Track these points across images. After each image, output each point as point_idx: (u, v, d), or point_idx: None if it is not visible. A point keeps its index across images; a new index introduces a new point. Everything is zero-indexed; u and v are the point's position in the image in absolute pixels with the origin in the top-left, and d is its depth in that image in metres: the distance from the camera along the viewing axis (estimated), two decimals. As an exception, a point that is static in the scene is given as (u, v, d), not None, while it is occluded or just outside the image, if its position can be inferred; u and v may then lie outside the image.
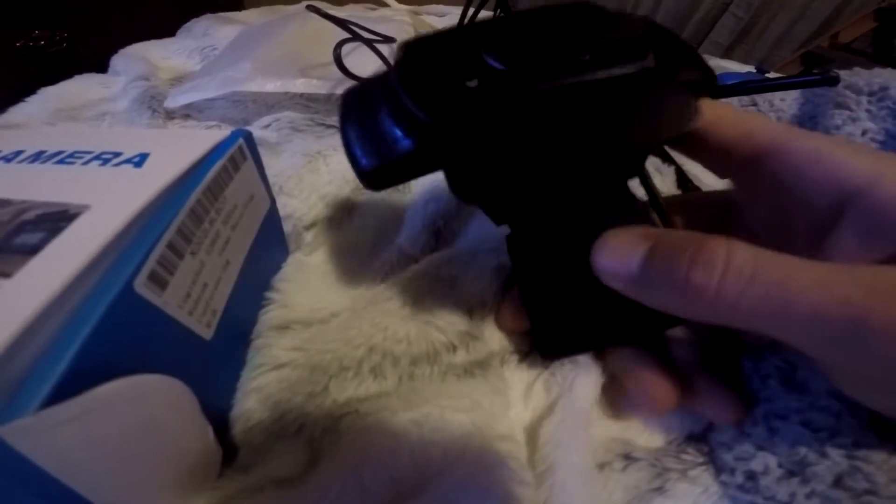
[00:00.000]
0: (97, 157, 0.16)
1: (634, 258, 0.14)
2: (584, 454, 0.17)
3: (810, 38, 1.52)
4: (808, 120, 0.40)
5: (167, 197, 0.14)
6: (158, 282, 0.13)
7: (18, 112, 0.39)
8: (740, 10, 1.54)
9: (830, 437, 0.15)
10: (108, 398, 0.11)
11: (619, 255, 0.15)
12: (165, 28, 0.58)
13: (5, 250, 0.12)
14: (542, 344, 0.19)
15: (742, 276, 0.12)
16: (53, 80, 0.44)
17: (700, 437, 0.20)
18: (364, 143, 0.16)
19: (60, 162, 0.16)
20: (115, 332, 0.11)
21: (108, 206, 0.13)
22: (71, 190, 0.14)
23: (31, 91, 0.42)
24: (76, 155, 0.17)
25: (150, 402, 0.12)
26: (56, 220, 0.13)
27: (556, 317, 0.18)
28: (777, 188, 0.16)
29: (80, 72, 0.46)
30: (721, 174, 0.19)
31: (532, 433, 0.18)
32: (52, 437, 0.10)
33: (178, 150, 0.16)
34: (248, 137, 0.18)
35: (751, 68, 0.74)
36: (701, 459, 0.18)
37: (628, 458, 0.18)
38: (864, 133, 0.31)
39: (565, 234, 0.17)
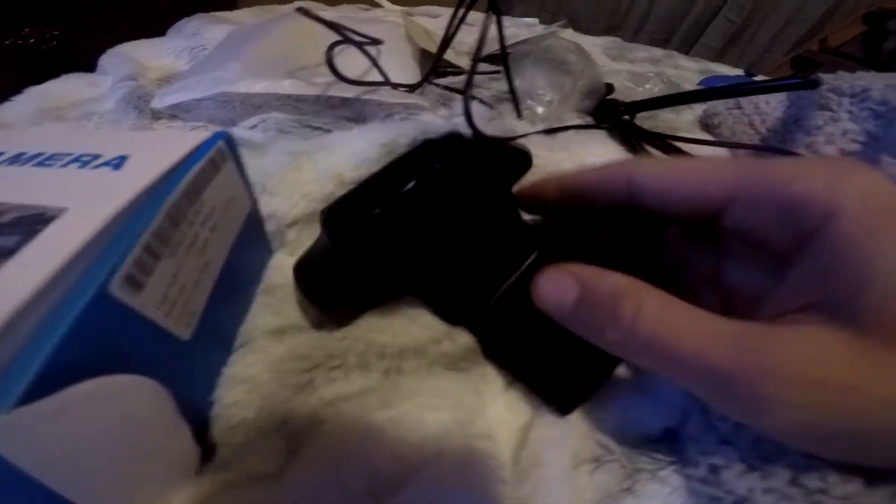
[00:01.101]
0: (76, 160, 0.16)
1: (566, 301, 0.16)
2: (568, 453, 0.18)
3: (800, 41, 1.54)
4: (793, 122, 0.41)
5: (145, 200, 0.14)
6: (135, 284, 0.13)
7: (5, 111, 0.39)
8: (732, 14, 1.55)
9: None
10: (82, 397, 0.11)
11: (553, 296, 0.17)
12: (159, 27, 0.58)
13: (-19, 252, 0.12)
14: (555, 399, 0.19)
15: (643, 335, 0.14)
16: (44, 78, 0.44)
17: (674, 436, 0.20)
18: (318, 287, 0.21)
19: (39, 164, 0.16)
20: (91, 334, 0.12)
21: (85, 208, 0.13)
22: (48, 192, 0.14)
23: (20, 89, 0.42)
24: (56, 157, 0.17)
25: (125, 401, 0.12)
26: (32, 222, 0.13)
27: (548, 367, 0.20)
28: (744, 235, 0.17)
29: (72, 70, 0.46)
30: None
31: (519, 431, 0.19)
32: (27, 435, 0.10)
33: (158, 152, 0.16)
34: (229, 139, 0.18)
35: (741, 72, 0.75)
36: (672, 458, 0.19)
37: (599, 460, 0.18)
38: (844, 133, 0.31)
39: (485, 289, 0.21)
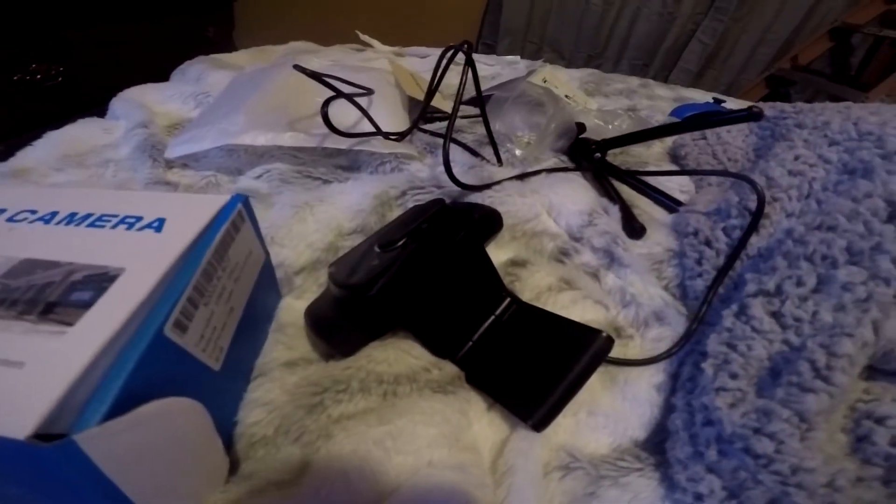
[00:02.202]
0: (122, 221, 0.20)
1: None
2: (538, 464, 0.21)
3: (773, 61, 1.61)
4: (752, 151, 0.46)
5: (184, 258, 0.18)
6: (181, 327, 0.17)
7: (26, 157, 0.42)
8: (705, 37, 1.62)
9: (767, 464, 0.17)
10: (149, 414, 0.14)
11: None
12: (158, 63, 0.60)
13: (64, 304, 0.16)
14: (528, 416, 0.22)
15: None
16: (51, 114, 0.46)
17: (643, 444, 0.23)
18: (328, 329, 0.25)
19: (91, 225, 0.20)
20: (152, 365, 0.15)
21: (140, 268, 0.17)
22: (106, 253, 0.18)
23: (31, 125, 0.44)
24: (104, 218, 0.20)
25: (178, 418, 0.16)
26: (100, 280, 0.17)
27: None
28: None
29: (77, 106, 0.48)
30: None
31: (499, 445, 0.22)
32: (110, 444, 0.13)
33: (189, 215, 0.20)
34: (246, 202, 0.22)
35: (712, 97, 0.80)
36: (637, 466, 0.22)
37: (567, 468, 0.22)
38: (796, 158, 0.35)
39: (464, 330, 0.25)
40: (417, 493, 0.19)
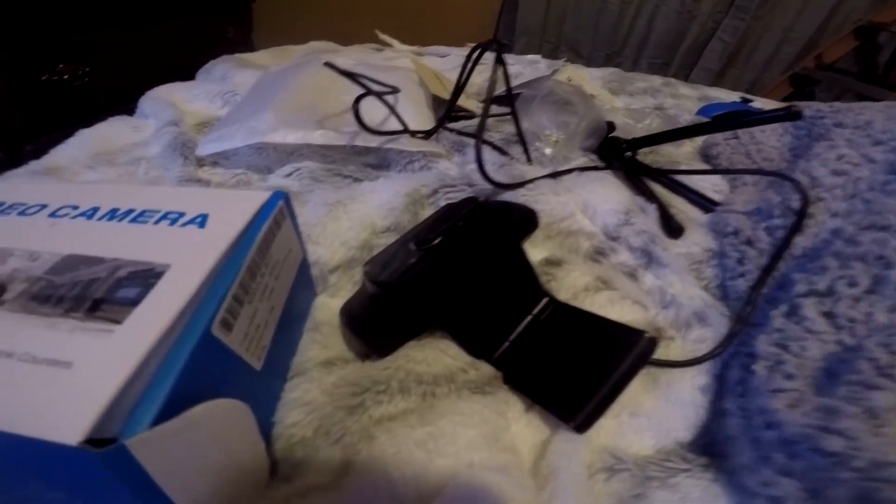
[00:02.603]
0: (165, 217, 0.20)
1: None
2: (582, 465, 0.21)
3: (796, 60, 1.57)
4: (788, 151, 0.44)
5: (229, 255, 0.18)
6: (227, 326, 0.16)
7: (59, 154, 0.43)
8: (726, 35, 1.59)
9: (843, 461, 0.17)
10: (198, 417, 0.14)
11: None
12: (181, 62, 0.61)
13: (111, 301, 0.15)
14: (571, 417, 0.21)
15: None
16: (78, 113, 0.47)
17: (688, 446, 0.23)
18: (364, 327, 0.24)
19: (134, 220, 0.20)
20: (200, 365, 0.15)
21: (186, 264, 0.17)
22: (151, 249, 0.18)
23: (60, 124, 0.45)
24: (146, 214, 0.20)
25: (225, 420, 0.16)
26: (146, 276, 0.16)
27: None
28: None
29: (103, 105, 0.49)
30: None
31: (539, 446, 0.22)
32: (160, 448, 0.13)
33: (232, 211, 0.20)
34: (287, 200, 0.21)
35: (739, 96, 0.78)
36: (684, 466, 0.22)
37: (612, 469, 0.21)
38: (839, 158, 0.34)
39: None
40: (460, 495, 0.18)
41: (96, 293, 0.16)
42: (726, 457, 0.21)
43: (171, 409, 0.13)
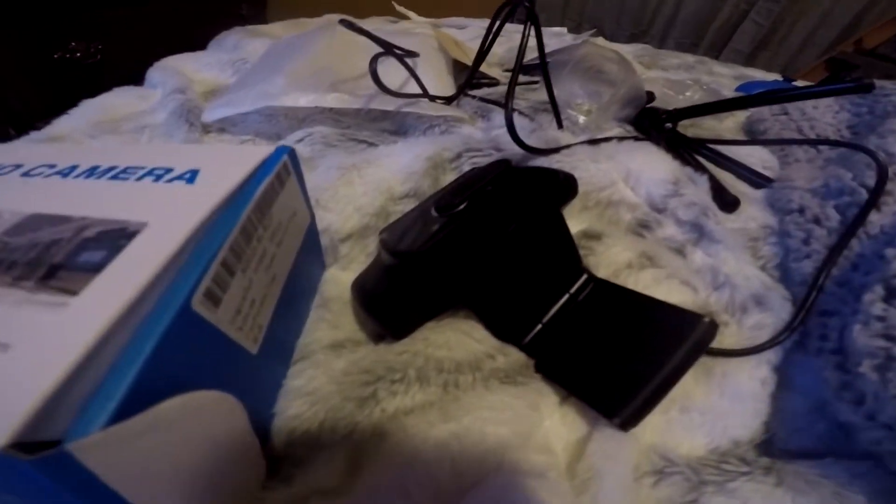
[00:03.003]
0: (149, 173, 0.17)
1: None
2: (629, 467, 0.18)
3: (833, 44, 1.49)
4: (846, 128, 0.40)
5: (220, 214, 0.15)
6: (213, 299, 0.13)
7: (62, 124, 0.41)
8: (760, 17, 1.52)
9: None
10: (170, 413, 0.11)
11: None
12: (194, 40, 0.60)
13: (70, 267, 0.12)
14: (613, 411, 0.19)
15: None
16: (90, 91, 0.46)
17: (747, 445, 0.20)
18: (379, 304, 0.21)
19: (115, 177, 0.17)
20: (176, 349, 0.12)
21: (165, 223, 0.14)
22: (128, 206, 0.15)
23: (72, 101, 0.44)
24: (129, 170, 0.17)
25: (207, 416, 0.13)
26: (116, 237, 0.13)
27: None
28: None
29: (115, 83, 0.48)
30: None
31: (576, 445, 0.19)
32: (118, 453, 0.10)
33: (228, 166, 0.17)
34: (292, 154, 0.18)
35: (776, 76, 0.73)
36: (744, 469, 0.19)
37: (661, 472, 0.18)
38: None
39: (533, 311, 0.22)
40: (486, 502, 0.15)
41: (55, 257, 0.13)
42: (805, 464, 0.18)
43: (137, 402, 0.10)
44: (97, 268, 0.12)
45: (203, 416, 0.12)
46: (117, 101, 0.44)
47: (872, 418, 0.18)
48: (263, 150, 0.17)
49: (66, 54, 0.87)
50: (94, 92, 0.46)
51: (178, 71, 0.47)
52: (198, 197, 0.15)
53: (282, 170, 0.17)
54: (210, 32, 0.62)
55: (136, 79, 0.50)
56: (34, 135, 0.40)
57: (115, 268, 0.12)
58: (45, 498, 0.10)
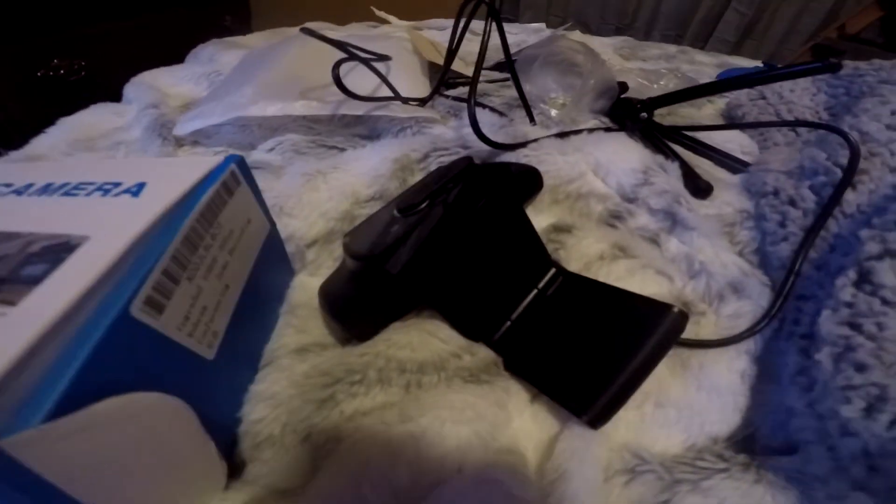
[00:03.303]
0: (99, 188, 0.17)
1: None
2: (597, 467, 0.17)
3: (817, 30, 1.50)
4: (824, 110, 0.40)
5: (162, 225, 0.15)
6: (155, 306, 0.13)
7: (39, 144, 0.41)
8: (742, 6, 1.52)
9: None
10: (107, 414, 0.11)
11: None
12: (179, 54, 0.60)
13: (13, 281, 0.13)
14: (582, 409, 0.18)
15: None
16: (75, 108, 0.46)
17: (725, 441, 0.19)
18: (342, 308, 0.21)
19: (66, 194, 0.17)
20: (115, 353, 0.12)
21: (106, 235, 0.14)
22: (72, 221, 0.15)
23: (55, 119, 0.44)
24: (80, 186, 0.17)
25: (148, 418, 0.13)
26: (58, 251, 0.14)
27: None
28: None
29: (100, 99, 0.48)
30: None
31: (546, 444, 0.18)
32: (55, 449, 0.10)
33: (174, 178, 0.17)
34: (241, 162, 0.18)
35: (759, 64, 0.73)
36: (721, 466, 0.18)
37: (633, 471, 0.18)
38: (893, 113, 0.30)
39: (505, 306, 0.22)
40: None
41: (0, 272, 0.13)
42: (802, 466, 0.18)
43: (74, 403, 0.11)
44: (37, 280, 0.12)
45: (145, 417, 0.13)
46: (93, 118, 0.44)
47: (811, 406, 0.18)
48: (211, 160, 0.17)
49: (49, 71, 0.87)
50: (79, 108, 0.46)
51: (152, 86, 0.47)
52: (140, 209, 0.15)
53: (229, 178, 0.17)
54: (194, 44, 0.62)
55: (121, 94, 0.50)
56: (13, 154, 0.40)
57: (54, 279, 0.12)
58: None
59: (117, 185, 0.17)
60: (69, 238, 0.14)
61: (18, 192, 0.17)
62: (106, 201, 0.16)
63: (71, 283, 0.12)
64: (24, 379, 0.10)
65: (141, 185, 0.16)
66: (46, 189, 0.17)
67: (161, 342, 0.14)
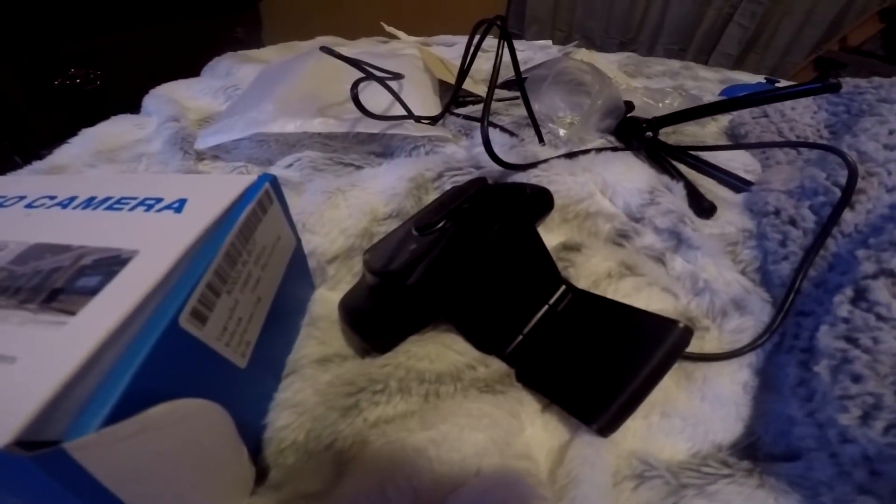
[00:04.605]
0: (141, 203, 0.18)
1: None
2: (607, 473, 0.18)
3: (819, 43, 1.51)
4: (825, 128, 0.41)
5: (205, 241, 0.16)
6: (199, 317, 0.14)
7: (63, 154, 0.42)
8: (744, 20, 1.54)
9: None
10: (158, 419, 0.12)
11: None
12: (191, 64, 0.61)
13: (69, 291, 0.14)
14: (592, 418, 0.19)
15: None
16: (90, 116, 0.47)
17: (729, 449, 0.20)
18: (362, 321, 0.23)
19: (109, 208, 0.18)
20: (164, 361, 0.13)
21: (155, 250, 0.15)
22: (121, 235, 0.16)
23: (72, 128, 0.45)
24: (123, 201, 0.18)
25: (194, 423, 0.14)
26: (111, 264, 0.15)
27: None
28: None
29: (114, 108, 0.49)
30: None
31: (557, 451, 0.19)
32: (110, 452, 0.11)
33: (212, 195, 0.18)
34: (274, 181, 0.19)
35: (762, 79, 0.75)
36: (725, 472, 0.19)
37: (641, 476, 0.19)
38: (891, 133, 0.31)
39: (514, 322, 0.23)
40: None
41: (56, 283, 0.14)
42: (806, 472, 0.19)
43: (128, 408, 0.11)
44: (93, 291, 0.13)
45: (190, 423, 0.14)
46: (115, 129, 0.46)
47: (811, 415, 0.18)
48: (246, 178, 0.19)
49: (66, 80, 0.89)
50: (95, 117, 0.47)
51: (172, 99, 0.48)
52: (184, 225, 0.16)
53: (263, 197, 0.18)
54: (207, 56, 0.64)
55: (137, 102, 0.52)
56: (37, 164, 0.41)
57: (109, 291, 0.13)
58: (44, 497, 0.11)
59: (159, 200, 0.18)
60: (120, 252, 0.15)
61: (63, 205, 0.19)
62: (150, 217, 0.17)
63: (125, 295, 0.13)
64: (84, 385, 0.11)
65: (182, 202, 0.18)
66: (90, 202, 0.18)
67: (203, 351, 0.15)
